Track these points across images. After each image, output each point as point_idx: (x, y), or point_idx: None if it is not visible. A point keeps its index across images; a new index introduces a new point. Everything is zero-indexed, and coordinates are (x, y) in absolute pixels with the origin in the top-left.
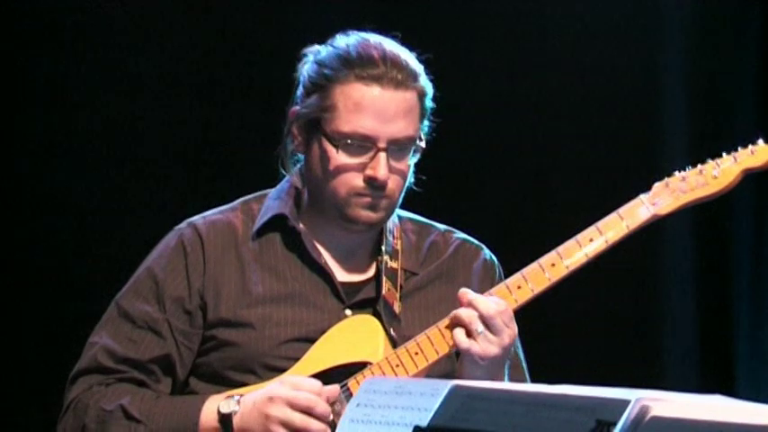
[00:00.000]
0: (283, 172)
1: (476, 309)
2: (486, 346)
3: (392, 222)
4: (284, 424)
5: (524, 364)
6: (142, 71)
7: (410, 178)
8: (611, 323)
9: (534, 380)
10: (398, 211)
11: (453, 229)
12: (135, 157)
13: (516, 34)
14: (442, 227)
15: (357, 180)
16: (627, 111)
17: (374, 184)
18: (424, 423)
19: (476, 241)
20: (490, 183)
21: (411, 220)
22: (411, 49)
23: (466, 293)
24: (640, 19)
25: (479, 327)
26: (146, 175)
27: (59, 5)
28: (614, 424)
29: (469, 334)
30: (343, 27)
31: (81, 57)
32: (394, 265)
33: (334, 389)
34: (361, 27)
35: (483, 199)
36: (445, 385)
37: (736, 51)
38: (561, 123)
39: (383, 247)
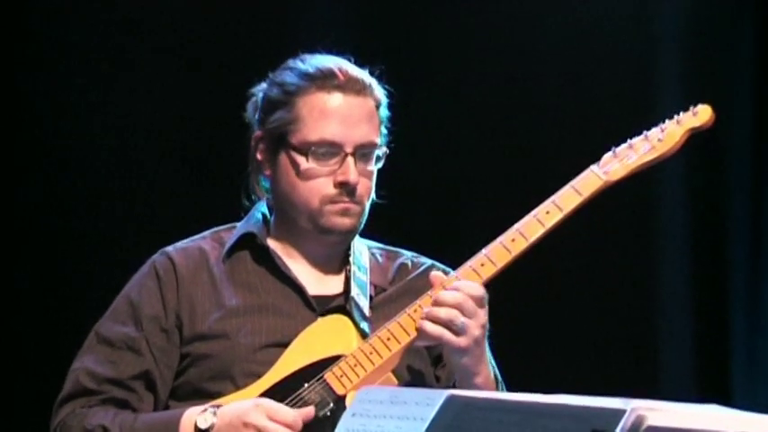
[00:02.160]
0: (246, 204)
1: (446, 302)
2: (465, 335)
3: (361, 246)
4: None
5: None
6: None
7: (373, 194)
8: (606, 331)
9: (529, 389)
10: (367, 242)
11: (421, 255)
12: (138, 159)
13: (508, 45)
14: (409, 253)
15: (328, 187)
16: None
17: (346, 189)
18: None
19: (443, 266)
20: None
21: (380, 247)
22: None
23: (437, 277)
24: (634, 34)
25: (460, 320)
26: (148, 179)
27: (65, 12)
28: None
29: (449, 328)
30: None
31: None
32: (363, 277)
33: (308, 411)
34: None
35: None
36: (440, 395)
37: (730, 68)
38: (551, 136)
39: (351, 259)
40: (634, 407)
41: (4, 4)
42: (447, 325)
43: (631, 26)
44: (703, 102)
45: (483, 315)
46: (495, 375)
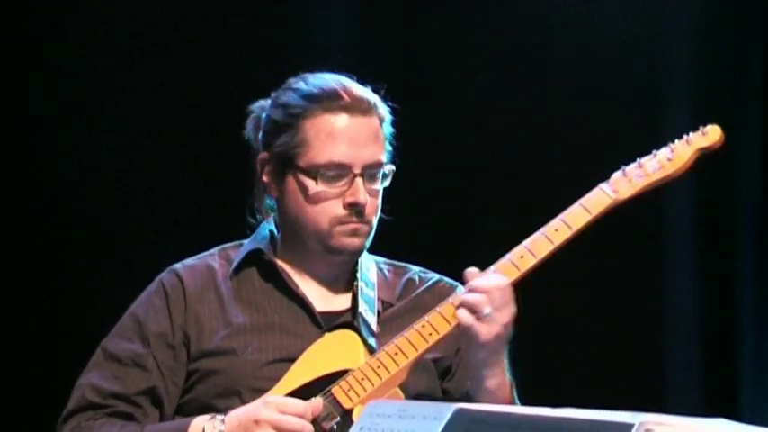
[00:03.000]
0: (252, 221)
1: (476, 289)
2: (489, 325)
3: (368, 262)
4: None
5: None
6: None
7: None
8: (614, 348)
9: (537, 403)
10: (374, 257)
11: (428, 270)
12: (143, 168)
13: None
14: (416, 268)
15: (338, 209)
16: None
17: (356, 209)
18: None
19: (450, 280)
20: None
21: (387, 263)
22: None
23: (471, 274)
24: (644, 50)
25: (486, 309)
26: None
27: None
28: None
29: (475, 316)
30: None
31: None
32: (371, 293)
33: (317, 402)
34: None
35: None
36: (448, 409)
37: (739, 83)
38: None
39: (358, 275)
40: (642, 421)
41: (5, 7)
42: (475, 310)
43: (641, 42)
44: (712, 118)
45: (507, 314)
46: (512, 385)
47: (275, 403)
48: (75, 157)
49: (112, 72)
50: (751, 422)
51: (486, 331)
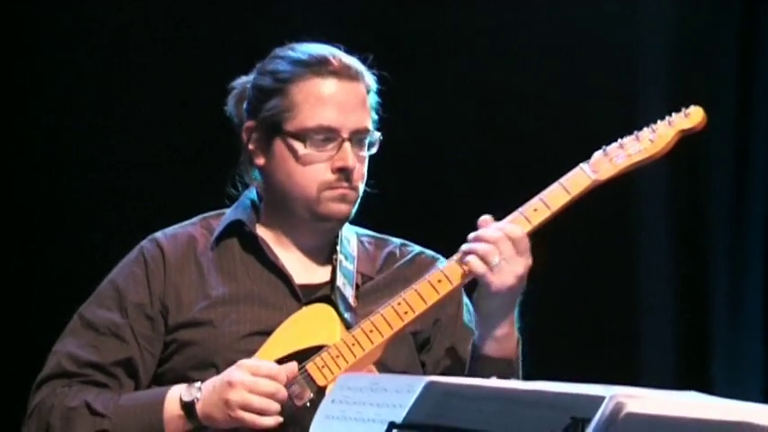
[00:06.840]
0: (233, 192)
1: (484, 239)
2: (499, 275)
3: (349, 234)
4: (243, 407)
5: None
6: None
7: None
8: (587, 317)
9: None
10: (356, 229)
11: (409, 243)
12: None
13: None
14: (398, 241)
15: (326, 173)
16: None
17: (345, 174)
18: (398, 420)
19: (432, 252)
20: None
21: (368, 235)
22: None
23: (485, 221)
24: (620, 31)
25: (495, 258)
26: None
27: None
28: (589, 420)
29: (487, 264)
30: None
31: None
32: (350, 266)
33: (292, 366)
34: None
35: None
36: (420, 382)
37: (713, 66)
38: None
39: (338, 248)
40: (613, 394)
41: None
42: (485, 260)
43: (617, 25)
44: (687, 97)
45: (520, 265)
46: (519, 340)
47: (248, 366)
48: (54, 126)
49: (92, 46)
50: (723, 395)
51: (497, 281)
